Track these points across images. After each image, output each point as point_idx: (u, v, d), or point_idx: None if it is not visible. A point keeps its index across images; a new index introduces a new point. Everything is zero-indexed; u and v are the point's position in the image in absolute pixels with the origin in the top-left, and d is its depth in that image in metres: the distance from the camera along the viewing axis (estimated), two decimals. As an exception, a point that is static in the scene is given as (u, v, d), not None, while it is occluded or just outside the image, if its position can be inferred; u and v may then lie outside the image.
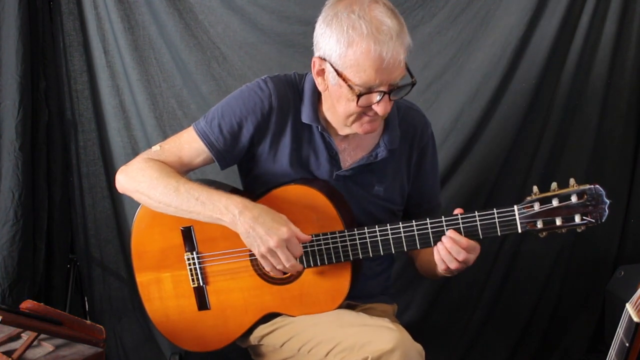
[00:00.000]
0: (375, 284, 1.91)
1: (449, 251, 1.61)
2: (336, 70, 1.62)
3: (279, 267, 1.67)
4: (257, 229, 1.63)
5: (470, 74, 2.42)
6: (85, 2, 2.49)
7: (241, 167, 1.89)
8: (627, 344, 1.33)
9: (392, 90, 1.62)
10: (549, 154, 2.47)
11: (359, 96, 1.61)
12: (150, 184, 1.72)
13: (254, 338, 1.82)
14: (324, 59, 1.64)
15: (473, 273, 2.56)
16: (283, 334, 1.76)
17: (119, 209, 2.61)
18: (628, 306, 1.33)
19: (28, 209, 2.41)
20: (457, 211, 1.62)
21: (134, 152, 2.55)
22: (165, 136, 2.50)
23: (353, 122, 1.69)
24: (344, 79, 1.61)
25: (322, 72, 1.67)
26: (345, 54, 1.59)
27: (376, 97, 1.61)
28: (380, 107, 1.63)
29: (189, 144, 1.78)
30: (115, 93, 2.55)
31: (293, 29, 2.42)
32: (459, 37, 2.42)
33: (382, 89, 1.60)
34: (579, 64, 2.39)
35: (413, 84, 1.65)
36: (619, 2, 2.32)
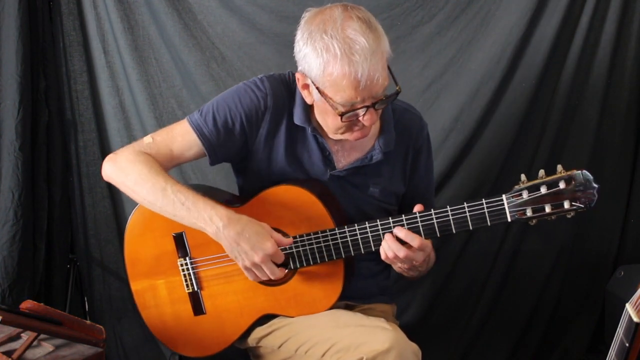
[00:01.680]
0: (374, 284, 1.91)
1: (390, 247, 1.63)
2: (318, 88, 1.62)
3: (264, 278, 1.69)
4: (242, 245, 1.64)
5: (470, 74, 2.42)
6: (85, 2, 2.49)
7: (236, 166, 1.89)
8: (627, 344, 1.33)
9: (376, 102, 1.61)
10: (549, 154, 2.47)
11: (342, 115, 1.61)
12: (137, 179, 1.71)
13: (252, 340, 1.82)
14: (305, 75, 1.64)
15: (473, 273, 2.57)
16: (280, 336, 1.76)
17: (119, 209, 2.62)
18: (628, 306, 1.33)
19: (28, 209, 2.41)
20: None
21: (134, 152, 2.56)
22: (165, 136, 2.51)
23: (343, 132, 1.69)
24: (326, 97, 1.61)
25: (306, 87, 1.67)
26: (322, 75, 1.58)
27: (361, 111, 1.61)
28: (367, 118, 1.62)
29: (181, 136, 1.77)
30: (115, 93, 2.55)
31: (292, 29, 2.38)
32: (459, 37, 2.42)
33: (365, 104, 1.60)
34: (579, 64, 2.39)
35: (397, 92, 1.64)
36: (619, 2, 2.32)
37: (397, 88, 1.64)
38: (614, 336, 1.40)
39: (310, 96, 1.69)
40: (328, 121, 1.69)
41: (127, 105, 2.56)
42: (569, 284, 2.57)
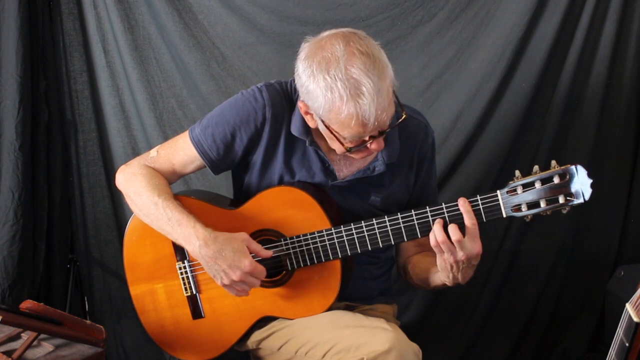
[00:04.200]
0: (375, 286, 1.91)
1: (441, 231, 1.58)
2: (323, 122, 1.61)
3: (243, 294, 1.70)
4: (220, 263, 1.65)
5: (470, 74, 2.42)
6: (85, 2, 2.49)
7: (235, 175, 1.89)
8: (627, 344, 1.33)
9: (383, 132, 1.60)
10: (549, 154, 2.47)
11: (349, 149, 1.61)
12: (136, 191, 1.76)
13: (251, 342, 1.82)
14: (309, 106, 1.63)
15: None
16: (280, 337, 1.76)
17: (119, 209, 2.62)
18: (628, 306, 1.33)
19: (28, 209, 2.41)
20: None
21: (134, 152, 2.56)
22: (165, 136, 2.51)
23: (349, 154, 1.68)
24: (333, 132, 1.61)
25: (309, 114, 1.66)
26: (328, 114, 1.57)
27: (368, 142, 1.61)
28: (374, 147, 1.63)
29: (183, 150, 1.80)
30: (115, 93, 2.56)
31: (292, 29, 2.42)
32: (459, 37, 2.41)
33: (372, 134, 1.59)
34: (579, 64, 2.39)
35: (405, 119, 1.63)
36: (619, 2, 2.32)
37: (404, 115, 1.63)
38: (614, 336, 1.41)
39: (314, 121, 1.67)
40: (334, 146, 1.67)
41: (127, 105, 2.56)
42: (569, 283, 2.57)
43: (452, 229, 1.58)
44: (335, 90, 1.53)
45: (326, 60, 1.55)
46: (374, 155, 1.76)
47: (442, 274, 1.69)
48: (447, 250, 1.59)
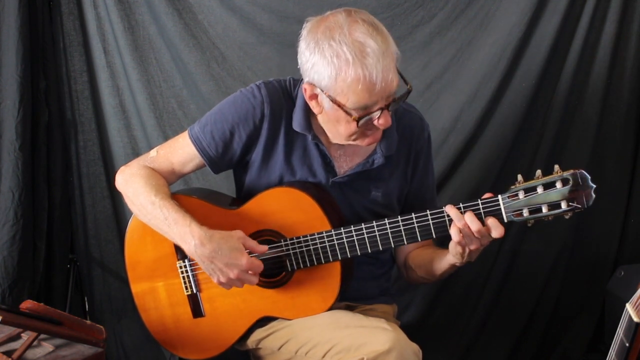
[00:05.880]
0: (375, 286, 1.91)
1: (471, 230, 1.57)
2: (329, 97, 1.61)
3: (240, 288, 1.70)
4: (216, 262, 1.65)
5: (470, 74, 2.42)
6: (85, 2, 2.50)
7: (236, 175, 1.90)
8: (627, 344, 1.33)
9: (389, 104, 1.60)
10: (549, 154, 2.47)
11: (358, 120, 1.60)
12: (135, 192, 1.76)
13: (251, 342, 1.82)
14: (315, 85, 1.63)
15: (473, 273, 2.57)
16: (280, 337, 1.76)
17: (119, 209, 2.62)
18: (628, 306, 1.33)
19: (28, 209, 2.41)
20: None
21: (134, 152, 2.56)
22: (165, 136, 2.51)
23: (356, 139, 1.68)
24: (339, 105, 1.60)
25: (314, 97, 1.66)
26: (335, 83, 1.57)
27: (375, 114, 1.60)
28: (381, 122, 1.62)
29: (182, 148, 1.81)
30: (115, 93, 2.56)
31: (292, 29, 2.41)
32: (459, 37, 2.42)
33: (379, 106, 1.59)
34: (579, 64, 2.39)
35: (409, 91, 1.64)
36: (619, 2, 2.32)
37: (408, 87, 1.63)
38: (614, 336, 1.41)
39: (319, 106, 1.67)
40: (340, 129, 1.67)
41: (127, 105, 2.57)
42: (569, 284, 2.57)
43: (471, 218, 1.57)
44: (342, 54, 1.54)
45: (330, 29, 1.57)
46: (373, 148, 1.76)
47: (454, 257, 1.67)
48: (470, 240, 1.59)
